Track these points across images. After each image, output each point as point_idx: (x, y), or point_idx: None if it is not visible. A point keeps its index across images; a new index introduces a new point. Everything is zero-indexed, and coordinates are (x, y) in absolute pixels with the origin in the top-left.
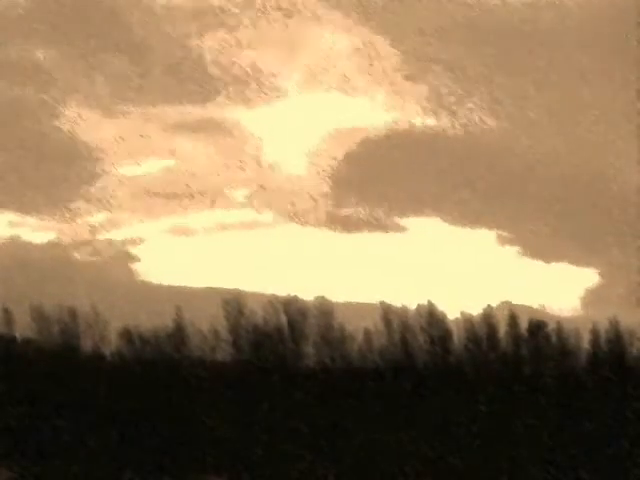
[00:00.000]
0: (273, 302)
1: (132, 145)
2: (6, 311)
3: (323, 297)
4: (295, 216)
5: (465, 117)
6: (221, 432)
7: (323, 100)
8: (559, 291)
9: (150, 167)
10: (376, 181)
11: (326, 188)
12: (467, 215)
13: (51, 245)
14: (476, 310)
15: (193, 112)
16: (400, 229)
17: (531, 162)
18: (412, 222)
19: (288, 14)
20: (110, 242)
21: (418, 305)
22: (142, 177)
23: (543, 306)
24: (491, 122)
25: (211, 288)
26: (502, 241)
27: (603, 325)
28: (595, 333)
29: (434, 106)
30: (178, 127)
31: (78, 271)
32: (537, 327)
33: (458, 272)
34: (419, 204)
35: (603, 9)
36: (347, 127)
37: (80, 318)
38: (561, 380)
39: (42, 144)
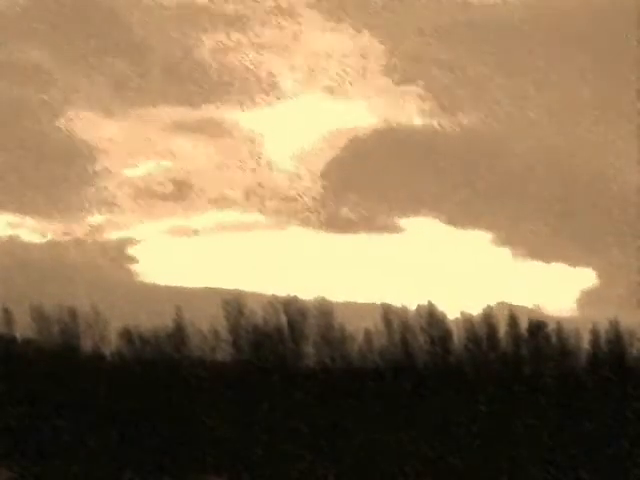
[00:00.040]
0: (273, 302)
1: (132, 145)
2: (6, 311)
3: (323, 297)
4: (294, 216)
5: (465, 117)
6: (221, 432)
7: (322, 100)
8: (559, 291)
9: (150, 167)
10: (375, 181)
11: (325, 189)
12: (466, 215)
13: (51, 245)
14: (476, 310)
15: (192, 113)
16: (399, 229)
17: (531, 162)
18: (411, 222)
19: (287, 15)
20: (110, 242)
21: (418, 305)
22: (142, 177)
23: (543, 306)
24: (491, 122)
25: (211, 288)
26: (502, 241)
27: (603, 325)
28: (595, 333)
29: (433, 106)
30: (177, 127)
31: (78, 271)
32: (537, 327)
33: (458, 272)
34: (419, 204)
35: (603, 9)
36: (346, 127)
37: (80, 318)
38: (561, 380)
39: (42, 144)
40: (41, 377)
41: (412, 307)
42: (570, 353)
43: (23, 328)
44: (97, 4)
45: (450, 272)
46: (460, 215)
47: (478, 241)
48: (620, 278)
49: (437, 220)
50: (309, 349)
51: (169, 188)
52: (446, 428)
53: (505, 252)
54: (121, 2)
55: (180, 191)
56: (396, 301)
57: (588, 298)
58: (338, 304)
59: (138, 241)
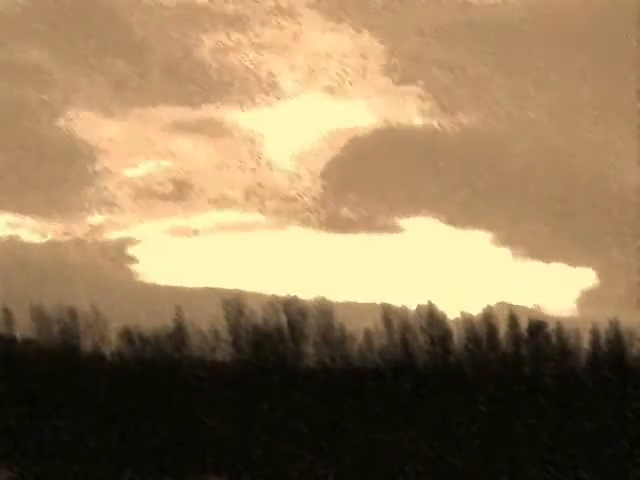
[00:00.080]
0: (273, 302)
1: (132, 145)
2: (6, 311)
3: (323, 297)
4: (294, 216)
5: (465, 117)
6: (221, 432)
7: (322, 101)
8: (559, 291)
9: (150, 167)
10: (375, 181)
11: (325, 189)
12: (466, 215)
13: (51, 245)
14: (476, 310)
15: (192, 113)
16: (399, 229)
17: (531, 162)
18: (411, 222)
19: (287, 15)
20: (110, 242)
21: (418, 305)
22: (142, 177)
23: (543, 306)
24: (491, 122)
25: (211, 288)
26: (502, 241)
27: (603, 325)
28: (595, 333)
29: (433, 106)
30: (177, 127)
31: (78, 271)
32: (537, 327)
33: (458, 272)
34: (419, 204)
35: (603, 9)
36: (346, 127)
37: (80, 318)
38: (561, 380)
39: (42, 144)
40: (41, 377)
41: (412, 307)
42: (570, 353)
43: (23, 328)
44: (97, 4)
45: (450, 272)
46: (460, 215)
47: (478, 241)
48: (620, 278)
49: (437, 220)
50: (309, 349)
51: (169, 188)
52: (446, 428)
53: (505, 252)
54: (121, 2)
55: (180, 191)
56: (396, 301)
57: (588, 298)
58: (338, 304)
59: (138, 241)
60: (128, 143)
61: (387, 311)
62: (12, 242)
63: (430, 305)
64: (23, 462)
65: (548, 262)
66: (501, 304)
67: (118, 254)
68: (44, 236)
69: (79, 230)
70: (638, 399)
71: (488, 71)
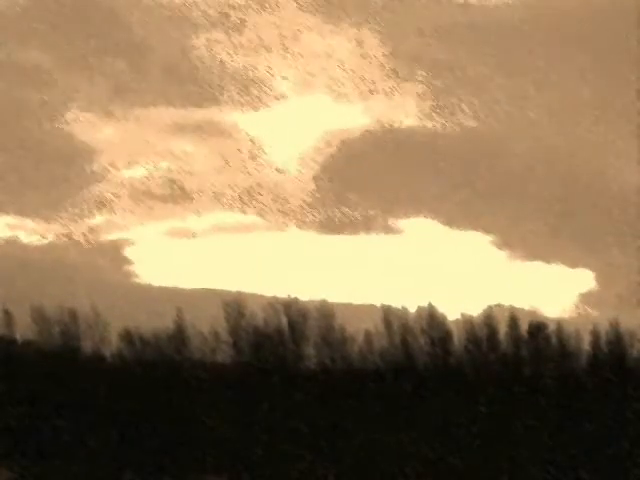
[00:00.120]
0: (273, 304)
1: (131, 147)
2: (6, 312)
3: (323, 299)
4: (293, 218)
5: (465, 117)
6: (221, 432)
7: (321, 102)
8: (559, 292)
9: (149, 169)
10: (374, 182)
11: (325, 190)
12: (466, 216)
13: (51, 246)
14: (476, 312)
15: (191, 114)
16: (398, 231)
17: (531, 162)
18: (411, 223)
19: (287, 16)
20: (109, 243)
21: (418, 307)
22: (141, 179)
23: (543, 307)
24: (491, 122)
25: (211, 290)
26: (501, 242)
27: (603, 326)
28: (595, 334)
29: (433, 106)
30: (177, 129)
31: (78, 272)
32: (537, 328)
33: (457, 274)
34: (418, 205)
35: (603, 9)
36: (346, 128)
37: (80, 319)
38: (561, 381)
39: (42, 145)
40: (41, 378)
41: (412, 308)
42: (570, 354)
43: (23, 329)
44: (97, 4)
45: (450, 273)
46: (459, 216)
47: (477, 242)
48: (620, 278)
49: (436, 221)
50: (309, 350)
51: (168, 189)
52: (446, 429)
53: (505, 253)
54: (121, 2)
55: (179, 192)
56: (396, 302)
57: (588, 299)
58: (338, 305)
59: (138, 242)
60: (127, 144)
61: (387, 312)
62: (12, 243)
63: (430, 306)
64: (23, 462)
65: (548, 263)
66: (501, 305)
67: (118, 255)
68: (44, 237)
69: (79, 231)
70: (638, 400)
71: (488, 71)
